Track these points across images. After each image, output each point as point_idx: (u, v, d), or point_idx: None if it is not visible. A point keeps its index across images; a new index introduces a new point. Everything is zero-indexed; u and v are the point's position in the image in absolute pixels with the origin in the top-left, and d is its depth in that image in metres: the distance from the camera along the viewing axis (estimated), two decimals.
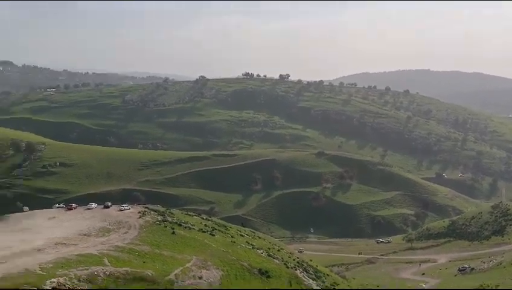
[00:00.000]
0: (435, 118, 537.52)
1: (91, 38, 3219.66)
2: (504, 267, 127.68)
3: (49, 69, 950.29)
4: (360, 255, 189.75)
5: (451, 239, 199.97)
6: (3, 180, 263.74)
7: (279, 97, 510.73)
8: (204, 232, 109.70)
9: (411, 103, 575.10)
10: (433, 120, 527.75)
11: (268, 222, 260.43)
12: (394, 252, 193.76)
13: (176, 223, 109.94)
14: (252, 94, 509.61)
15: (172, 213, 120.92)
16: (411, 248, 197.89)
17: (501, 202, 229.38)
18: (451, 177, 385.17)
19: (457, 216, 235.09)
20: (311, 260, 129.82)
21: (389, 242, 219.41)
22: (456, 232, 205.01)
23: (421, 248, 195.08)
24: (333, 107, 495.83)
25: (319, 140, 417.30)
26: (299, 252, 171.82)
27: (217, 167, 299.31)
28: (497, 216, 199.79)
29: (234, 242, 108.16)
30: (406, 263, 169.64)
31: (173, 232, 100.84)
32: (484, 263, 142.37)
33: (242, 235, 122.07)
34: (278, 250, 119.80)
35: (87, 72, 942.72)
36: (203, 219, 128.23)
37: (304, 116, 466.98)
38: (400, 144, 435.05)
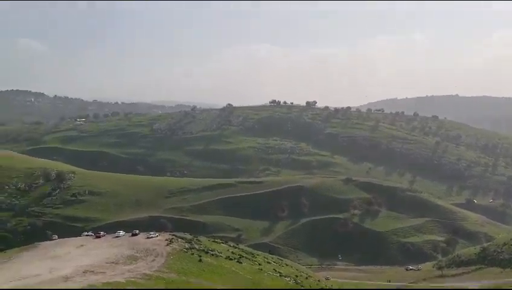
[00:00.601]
0: (464, 143, 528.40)
1: (122, 69, 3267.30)
2: None
3: (79, 99, 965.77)
4: (389, 283, 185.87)
5: (483, 266, 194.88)
6: (33, 209, 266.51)
7: (306, 124, 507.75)
8: (231, 259, 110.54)
9: (440, 129, 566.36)
10: (462, 145, 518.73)
11: (296, 249, 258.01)
12: (424, 280, 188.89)
13: (203, 250, 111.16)
14: (279, 121, 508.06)
15: (199, 240, 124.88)
16: (441, 276, 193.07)
17: None
18: (481, 203, 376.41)
19: (489, 243, 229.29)
20: (339, 288, 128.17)
21: (418, 269, 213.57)
22: (488, 259, 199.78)
23: (452, 275, 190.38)
24: (361, 133, 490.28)
25: (346, 166, 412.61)
26: (325, 279, 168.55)
27: (243, 194, 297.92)
28: None
29: (261, 270, 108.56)
30: None
31: (200, 260, 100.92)
32: None
33: (269, 263, 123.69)
34: (306, 278, 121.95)
35: (117, 102, 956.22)
36: (230, 246, 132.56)
37: (331, 142, 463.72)
38: (429, 170, 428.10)
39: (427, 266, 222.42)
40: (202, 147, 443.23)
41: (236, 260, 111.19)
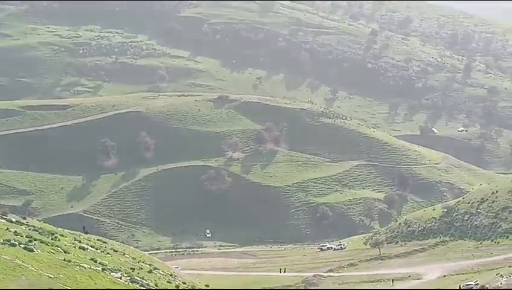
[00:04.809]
0: (419, 33, 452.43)
1: None
2: None
3: None
4: (285, 274, 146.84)
5: (447, 239, 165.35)
6: None
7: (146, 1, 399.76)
8: (13, 245, 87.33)
9: (377, 9, 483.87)
10: (414, 36, 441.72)
11: (131, 223, 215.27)
12: (351, 265, 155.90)
13: None
14: None
15: None
16: (379, 257, 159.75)
17: None
18: (445, 133, 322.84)
19: (457, 199, 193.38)
20: (207, 286, 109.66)
21: (341, 248, 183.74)
22: (455, 227, 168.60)
23: (396, 256, 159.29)
24: (244, 18, 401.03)
25: (219, 76, 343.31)
26: (179, 270, 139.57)
27: (35, 129, 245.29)
28: None
29: (70, 261, 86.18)
30: (372, 282, 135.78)
31: None
32: (502, 277, 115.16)
33: (84, 249, 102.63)
34: (149, 271, 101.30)
35: None
36: (11, 222, 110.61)
37: (191, 34, 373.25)
38: (358, 80, 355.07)
39: (355, 241, 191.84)
40: None
41: (23, 246, 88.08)
